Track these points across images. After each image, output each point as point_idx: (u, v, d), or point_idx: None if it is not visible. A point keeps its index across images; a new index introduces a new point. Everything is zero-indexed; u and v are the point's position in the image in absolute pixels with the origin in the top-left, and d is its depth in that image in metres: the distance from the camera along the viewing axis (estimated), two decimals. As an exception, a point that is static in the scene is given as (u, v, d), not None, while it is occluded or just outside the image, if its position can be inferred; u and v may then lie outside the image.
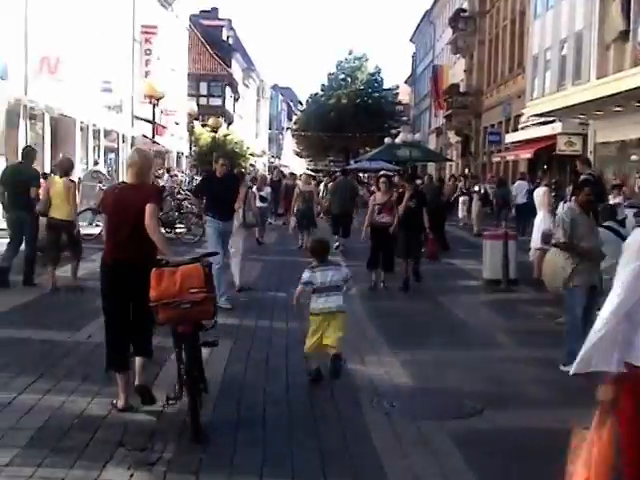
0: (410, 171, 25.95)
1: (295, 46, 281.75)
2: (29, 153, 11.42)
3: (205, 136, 42.98)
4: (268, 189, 20.81)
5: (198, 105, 49.41)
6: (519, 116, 30.72)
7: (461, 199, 26.22)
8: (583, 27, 24.90)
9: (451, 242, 18.17)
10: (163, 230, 17.31)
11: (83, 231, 12.68)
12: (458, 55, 45.74)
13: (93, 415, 5.46)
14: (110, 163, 31.25)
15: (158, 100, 26.47)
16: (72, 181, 10.99)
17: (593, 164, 17.89)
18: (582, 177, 12.51)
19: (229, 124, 53.59)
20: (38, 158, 13.36)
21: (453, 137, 47.83)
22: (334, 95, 68.01)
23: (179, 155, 45.85)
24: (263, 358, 7.43)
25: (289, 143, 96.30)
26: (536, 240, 12.34)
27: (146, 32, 35.30)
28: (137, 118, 33.50)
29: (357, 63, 71.74)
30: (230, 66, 58.53)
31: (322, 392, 6.43)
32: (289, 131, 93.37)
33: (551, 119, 25.11)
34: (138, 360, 5.64)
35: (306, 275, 6.58)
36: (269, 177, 27.50)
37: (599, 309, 3.34)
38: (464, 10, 43.21)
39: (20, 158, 12.00)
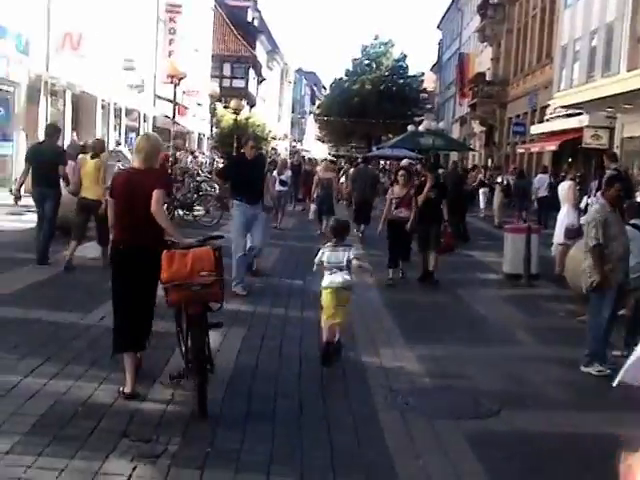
0: (433, 160, 25.56)
1: (320, 30, 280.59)
2: (53, 132, 11.43)
3: (227, 118, 42.75)
4: (289, 173, 20.43)
5: (221, 87, 49.15)
6: (545, 107, 30.24)
7: (481, 190, 25.93)
8: (615, 18, 24.38)
9: (471, 233, 18.01)
10: (181, 212, 17.41)
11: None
12: (485, 43, 45.13)
13: (99, 402, 5.34)
14: (131, 142, 31.16)
15: (180, 80, 26.32)
16: (101, 162, 11.00)
17: (619, 159, 17.54)
18: (608, 172, 12.26)
19: (252, 106, 53.33)
20: (58, 135, 13.33)
21: (477, 127, 47.32)
22: (358, 80, 67.65)
23: (200, 136, 45.75)
24: (276, 346, 7.28)
25: (311, 128, 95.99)
26: (559, 235, 12.12)
27: (171, 11, 35.22)
28: (159, 98, 33.31)
29: (382, 49, 71.25)
30: (254, 48, 58.15)
31: (335, 385, 6.30)
32: (312, 116, 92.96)
33: (578, 111, 24.68)
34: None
35: (318, 255, 7.01)
36: (289, 161, 27.28)
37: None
38: (493, -3, 42.60)
39: (43, 136, 12.00)
